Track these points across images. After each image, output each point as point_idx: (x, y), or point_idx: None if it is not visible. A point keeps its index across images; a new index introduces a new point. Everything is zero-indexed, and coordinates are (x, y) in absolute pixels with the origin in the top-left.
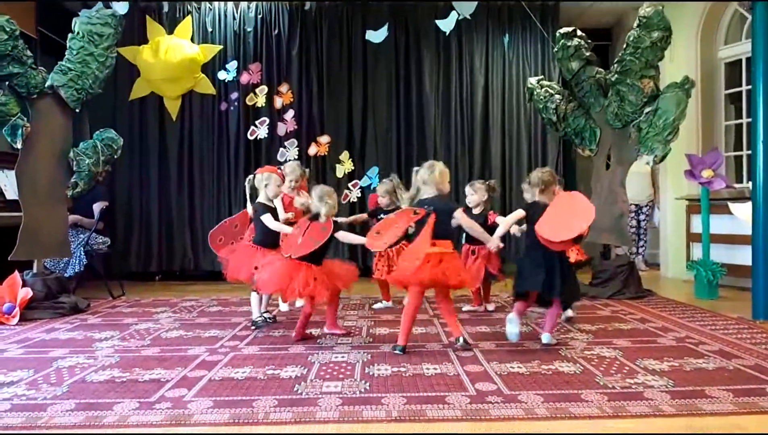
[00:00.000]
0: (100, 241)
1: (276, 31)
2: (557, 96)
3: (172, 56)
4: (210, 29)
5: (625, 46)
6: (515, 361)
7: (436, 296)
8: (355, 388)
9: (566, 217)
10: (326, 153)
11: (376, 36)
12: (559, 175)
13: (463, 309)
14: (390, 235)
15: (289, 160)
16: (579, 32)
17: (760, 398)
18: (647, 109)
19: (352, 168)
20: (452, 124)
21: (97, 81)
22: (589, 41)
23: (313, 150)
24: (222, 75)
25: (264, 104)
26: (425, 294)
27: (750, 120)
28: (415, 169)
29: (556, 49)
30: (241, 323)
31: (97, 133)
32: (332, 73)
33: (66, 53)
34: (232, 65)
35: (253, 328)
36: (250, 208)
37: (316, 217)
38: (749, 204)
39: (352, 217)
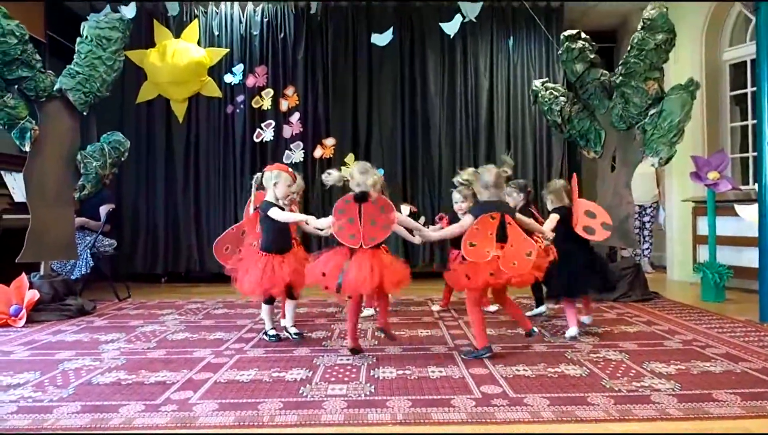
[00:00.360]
0: (107, 243)
1: (282, 35)
2: (562, 98)
3: (179, 59)
4: (216, 33)
5: (629, 48)
6: (521, 363)
7: (497, 297)
8: (360, 391)
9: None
10: (331, 155)
11: (381, 39)
12: (563, 178)
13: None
14: (486, 244)
15: (293, 163)
16: (583, 34)
17: None
18: (652, 111)
19: None
20: (457, 126)
21: (104, 84)
22: (594, 43)
23: (318, 152)
24: (228, 78)
25: (270, 107)
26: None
27: (756, 121)
28: (470, 171)
29: (560, 52)
30: (247, 326)
31: (105, 135)
32: (337, 75)
33: (74, 57)
34: (239, 68)
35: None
36: (251, 208)
37: (362, 197)
38: (755, 206)
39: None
